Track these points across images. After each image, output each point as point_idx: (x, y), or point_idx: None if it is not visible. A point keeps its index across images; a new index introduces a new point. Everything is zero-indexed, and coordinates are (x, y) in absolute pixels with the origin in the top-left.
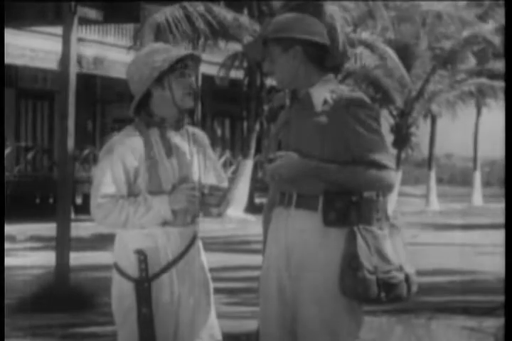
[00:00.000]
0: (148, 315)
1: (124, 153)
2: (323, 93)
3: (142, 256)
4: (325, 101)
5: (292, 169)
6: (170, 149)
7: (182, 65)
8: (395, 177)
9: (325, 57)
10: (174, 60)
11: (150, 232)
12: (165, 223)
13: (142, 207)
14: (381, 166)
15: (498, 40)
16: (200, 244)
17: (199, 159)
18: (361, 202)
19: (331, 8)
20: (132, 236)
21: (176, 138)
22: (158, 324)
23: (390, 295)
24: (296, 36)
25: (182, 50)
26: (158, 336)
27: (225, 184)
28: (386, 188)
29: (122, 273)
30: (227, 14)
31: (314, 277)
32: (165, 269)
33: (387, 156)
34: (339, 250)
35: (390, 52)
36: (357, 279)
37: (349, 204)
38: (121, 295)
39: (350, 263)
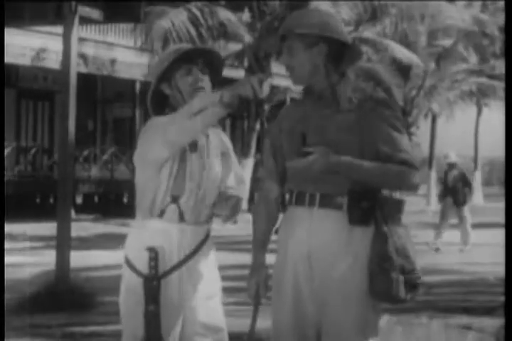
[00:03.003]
0: (155, 312)
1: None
2: (348, 92)
3: (153, 253)
4: (350, 100)
5: (326, 164)
6: (194, 146)
7: (187, 62)
8: (419, 176)
9: (344, 55)
10: (172, 58)
11: (165, 229)
12: (181, 220)
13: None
14: (410, 165)
15: (497, 34)
16: (211, 243)
17: (223, 159)
18: (385, 201)
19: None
20: (148, 232)
21: (199, 136)
22: (164, 321)
23: (412, 295)
24: (322, 34)
25: (185, 47)
26: (164, 333)
27: (243, 186)
28: (413, 187)
29: (133, 268)
30: (229, 15)
31: (341, 277)
32: (175, 267)
33: (413, 156)
34: (365, 249)
35: (393, 44)
36: (389, 280)
37: (374, 202)
38: (129, 289)
39: (382, 264)
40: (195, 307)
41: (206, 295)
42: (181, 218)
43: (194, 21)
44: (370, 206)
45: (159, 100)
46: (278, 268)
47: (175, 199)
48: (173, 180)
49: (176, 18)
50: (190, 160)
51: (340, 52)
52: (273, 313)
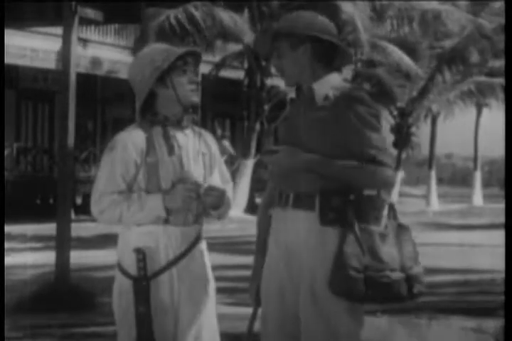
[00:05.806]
0: (146, 313)
1: (125, 151)
2: (326, 89)
3: (141, 254)
4: (326, 97)
5: (293, 161)
6: (172, 148)
7: (182, 63)
8: (394, 175)
9: (334, 57)
10: (173, 58)
11: (151, 231)
12: (166, 222)
13: (136, 203)
14: (381, 164)
15: (496, 36)
16: (204, 244)
17: (205, 159)
18: (359, 201)
19: (347, 8)
20: (134, 234)
21: (180, 137)
22: (156, 323)
23: (384, 295)
24: (307, 33)
25: (181, 48)
26: (156, 335)
27: (229, 185)
28: (384, 185)
29: (123, 271)
30: (227, 15)
31: (313, 277)
32: (165, 268)
33: (386, 154)
34: (335, 249)
35: (392, 48)
36: (341, 277)
37: (346, 203)
38: (121, 293)
39: (336, 261)
40: (188, 309)
41: (199, 296)
42: (166, 220)
43: (192, 21)
44: (343, 206)
45: (146, 101)
46: (266, 269)
47: None
48: (145, 184)
49: (173, 18)
50: (164, 162)
51: (328, 53)
52: (262, 314)
